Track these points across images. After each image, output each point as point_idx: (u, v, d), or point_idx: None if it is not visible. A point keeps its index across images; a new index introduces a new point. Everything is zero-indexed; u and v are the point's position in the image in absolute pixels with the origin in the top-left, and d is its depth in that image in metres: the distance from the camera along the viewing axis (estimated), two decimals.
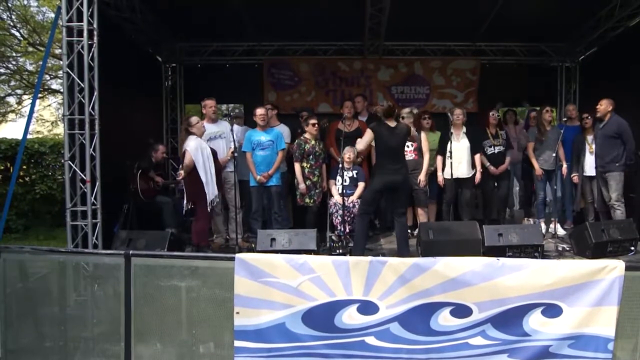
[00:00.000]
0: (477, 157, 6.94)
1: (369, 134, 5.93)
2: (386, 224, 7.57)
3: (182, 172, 6.23)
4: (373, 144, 6.12)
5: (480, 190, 7.33)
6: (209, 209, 6.25)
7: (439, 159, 6.97)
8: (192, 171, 6.13)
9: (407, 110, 7.00)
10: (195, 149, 6.10)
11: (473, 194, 7.28)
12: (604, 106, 6.63)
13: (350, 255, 5.80)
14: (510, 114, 8.41)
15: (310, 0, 7.29)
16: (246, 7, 7.66)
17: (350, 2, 7.32)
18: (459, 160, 6.80)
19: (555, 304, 3.36)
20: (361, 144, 6.08)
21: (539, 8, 7.74)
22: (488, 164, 7.05)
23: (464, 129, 6.99)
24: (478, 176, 6.90)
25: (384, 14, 7.33)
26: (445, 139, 6.93)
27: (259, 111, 6.82)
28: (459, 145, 6.84)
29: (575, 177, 7.27)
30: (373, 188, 5.98)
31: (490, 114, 7.19)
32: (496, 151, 7.12)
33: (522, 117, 8.99)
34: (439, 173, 6.95)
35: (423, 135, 7.02)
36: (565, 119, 7.35)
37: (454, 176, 6.74)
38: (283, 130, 7.30)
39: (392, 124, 5.93)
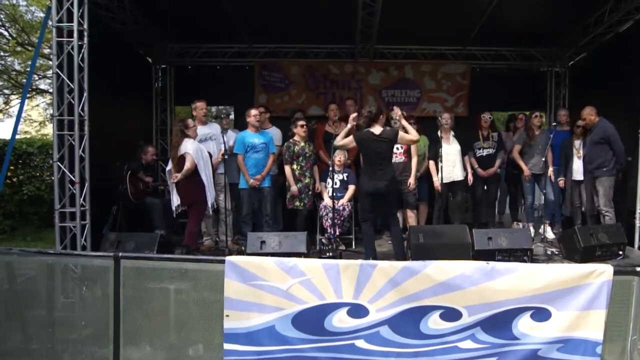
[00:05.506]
0: (466, 159, 6.99)
1: (349, 137, 5.70)
2: (376, 228, 7.55)
3: (177, 174, 6.07)
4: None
5: (470, 193, 7.37)
6: (210, 212, 6.28)
7: (432, 163, 6.97)
8: (191, 174, 6.08)
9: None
10: (195, 152, 6.08)
11: (464, 197, 7.31)
12: (587, 117, 6.68)
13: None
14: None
15: (302, 3, 7.28)
16: (237, 9, 7.64)
17: (342, 5, 7.32)
18: (453, 164, 6.85)
19: (544, 307, 3.37)
20: (337, 138, 5.79)
21: (529, 13, 7.82)
22: (476, 166, 7.09)
23: (453, 133, 7.03)
24: (470, 177, 6.94)
25: (375, 18, 7.36)
26: (435, 144, 6.95)
27: (254, 112, 6.81)
28: (451, 148, 6.88)
29: (561, 182, 7.30)
30: (363, 193, 5.85)
31: (482, 116, 7.24)
32: (485, 154, 7.16)
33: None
34: (435, 178, 6.91)
35: None
36: (554, 123, 7.38)
37: (451, 180, 6.80)
38: (275, 133, 7.28)
39: (377, 130, 5.60)
